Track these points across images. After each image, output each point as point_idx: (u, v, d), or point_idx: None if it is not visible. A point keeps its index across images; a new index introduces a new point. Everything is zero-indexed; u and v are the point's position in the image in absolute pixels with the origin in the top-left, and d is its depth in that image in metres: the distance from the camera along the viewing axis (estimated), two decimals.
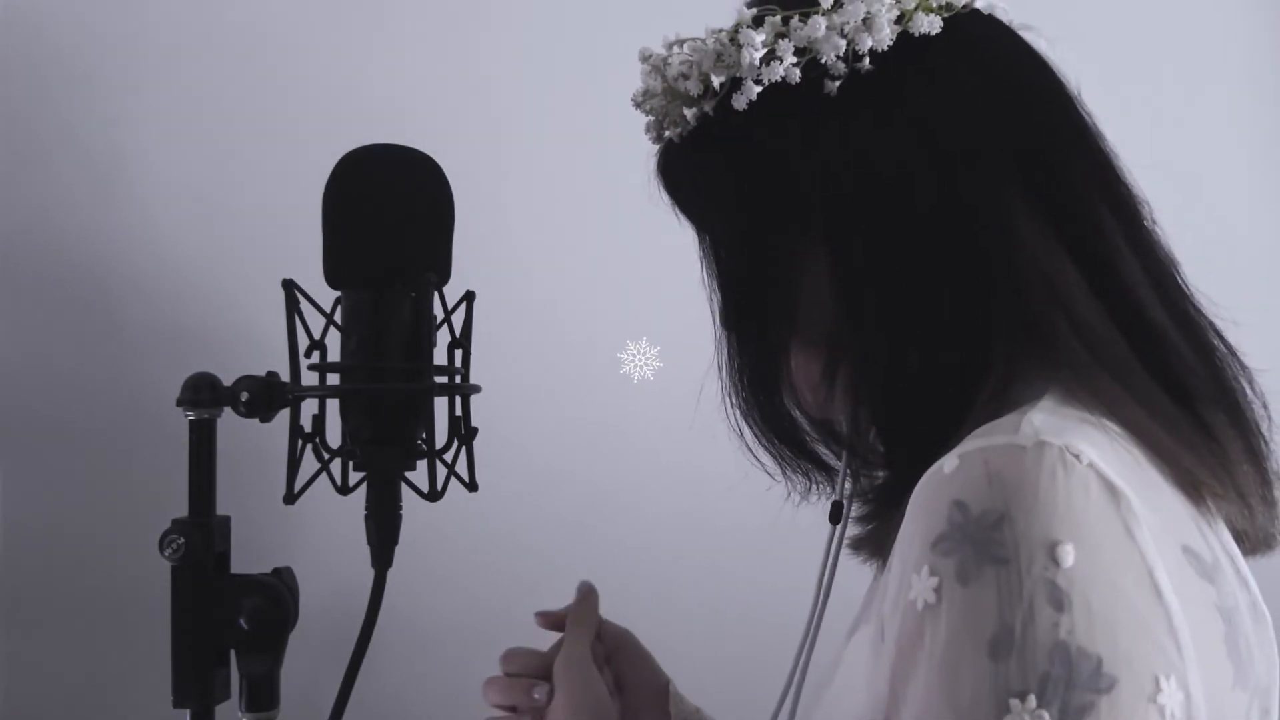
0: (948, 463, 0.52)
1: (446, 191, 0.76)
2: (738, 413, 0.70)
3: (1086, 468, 0.50)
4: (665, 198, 0.70)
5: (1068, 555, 0.48)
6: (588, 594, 0.81)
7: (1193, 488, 0.58)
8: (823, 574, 0.73)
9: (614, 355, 1.26)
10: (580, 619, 0.79)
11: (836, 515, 0.72)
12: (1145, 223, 0.64)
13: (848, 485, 0.72)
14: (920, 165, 0.60)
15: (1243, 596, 0.58)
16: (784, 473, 0.72)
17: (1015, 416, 0.54)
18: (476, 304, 0.78)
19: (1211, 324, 0.63)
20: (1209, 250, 0.82)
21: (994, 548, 0.49)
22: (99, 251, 1.16)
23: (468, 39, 1.27)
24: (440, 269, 0.76)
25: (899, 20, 0.62)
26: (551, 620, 0.81)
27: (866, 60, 0.61)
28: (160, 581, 0.71)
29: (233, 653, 0.73)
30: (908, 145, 0.60)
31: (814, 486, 0.74)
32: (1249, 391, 0.63)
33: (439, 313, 0.76)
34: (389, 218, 0.74)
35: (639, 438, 1.27)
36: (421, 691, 1.20)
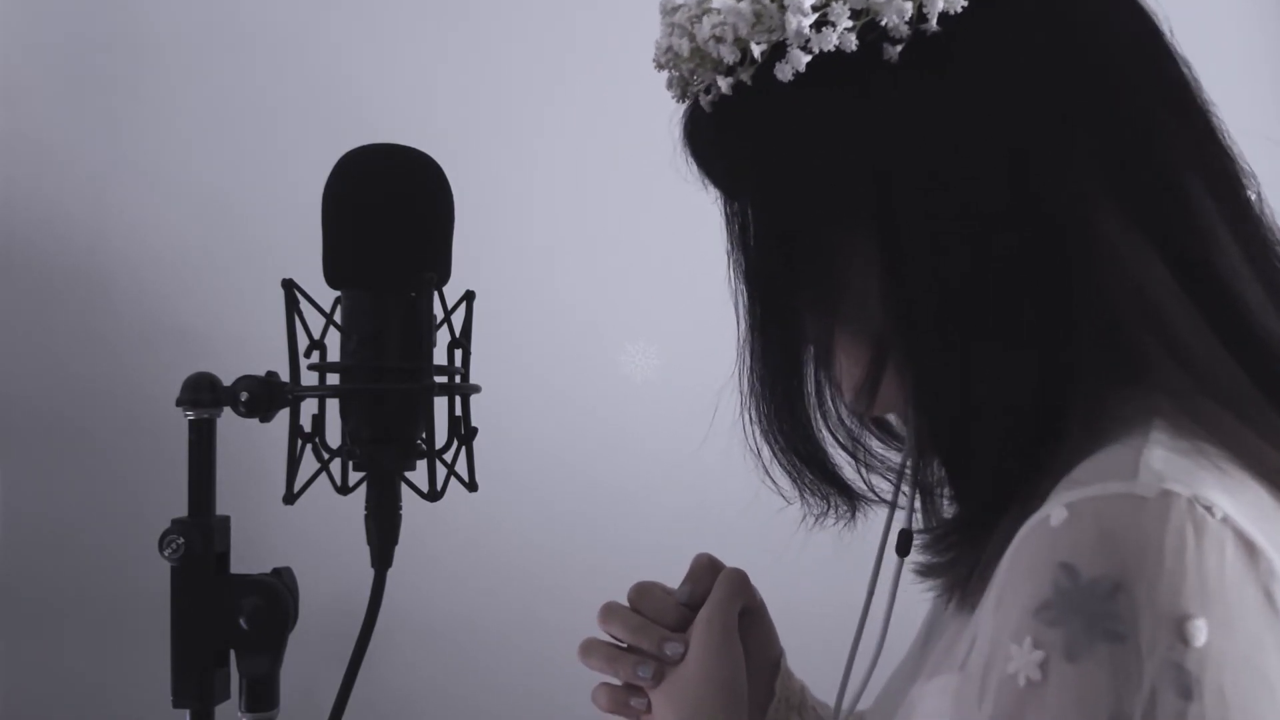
0: (1055, 514, 0.45)
1: (446, 191, 0.76)
2: (757, 430, 0.61)
3: (1220, 523, 0.43)
4: (692, 167, 0.61)
5: (1199, 633, 0.41)
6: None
7: None
8: (869, 600, 0.66)
9: (614, 355, 1.26)
10: (738, 579, 0.72)
11: (905, 547, 0.63)
12: (1250, 201, 0.55)
13: (916, 514, 0.63)
14: (993, 150, 0.52)
15: None
16: (801, 496, 0.64)
17: (1129, 453, 0.46)
18: (476, 304, 0.78)
19: None
20: None
21: (1108, 621, 0.42)
22: (99, 251, 1.16)
23: (468, 38, 1.27)
24: (440, 269, 0.76)
25: None
26: (703, 579, 0.73)
27: (933, 21, 0.52)
28: (160, 581, 0.71)
29: (232, 653, 0.73)
30: (979, 126, 0.52)
31: (832, 510, 0.65)
32: None
33: (439, 313, 0.76)
34: (388, 218, 0.74)
35: (639, 437, 1.27)
36: (421, 691, 1.20)
